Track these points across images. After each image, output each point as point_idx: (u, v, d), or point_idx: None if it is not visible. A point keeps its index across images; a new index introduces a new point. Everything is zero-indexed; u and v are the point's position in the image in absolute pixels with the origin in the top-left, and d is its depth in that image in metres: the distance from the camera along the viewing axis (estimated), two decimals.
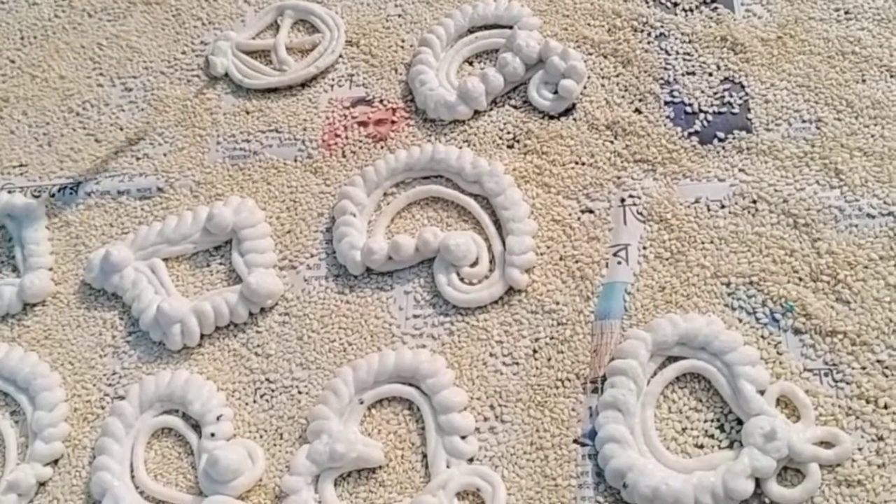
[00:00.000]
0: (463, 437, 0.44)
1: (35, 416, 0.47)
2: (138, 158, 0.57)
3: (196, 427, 0.46)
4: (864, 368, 0.42)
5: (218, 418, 0.46)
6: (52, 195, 0.56)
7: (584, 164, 0.51)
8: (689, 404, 0.43)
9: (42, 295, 0.52)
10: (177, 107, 0.59)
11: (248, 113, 0.57)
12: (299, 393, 0.47)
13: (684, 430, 0.42)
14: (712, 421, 0.42)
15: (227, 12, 0.63)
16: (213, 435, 0.45)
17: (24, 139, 0.59)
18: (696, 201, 0.49)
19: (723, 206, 0.48)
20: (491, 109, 0.55)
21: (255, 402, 0.47)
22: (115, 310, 0.51)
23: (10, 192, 0.57)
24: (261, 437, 0.46)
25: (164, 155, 0.57)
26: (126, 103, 0.60)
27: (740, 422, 0.42)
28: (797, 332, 0.44)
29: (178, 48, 0.61)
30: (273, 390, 0.47)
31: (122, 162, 0.57)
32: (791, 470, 0.40)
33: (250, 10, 0.62)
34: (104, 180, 0.56)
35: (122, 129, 0.58)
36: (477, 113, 0.54)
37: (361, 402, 0.45)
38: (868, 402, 0.41)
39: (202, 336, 0.49)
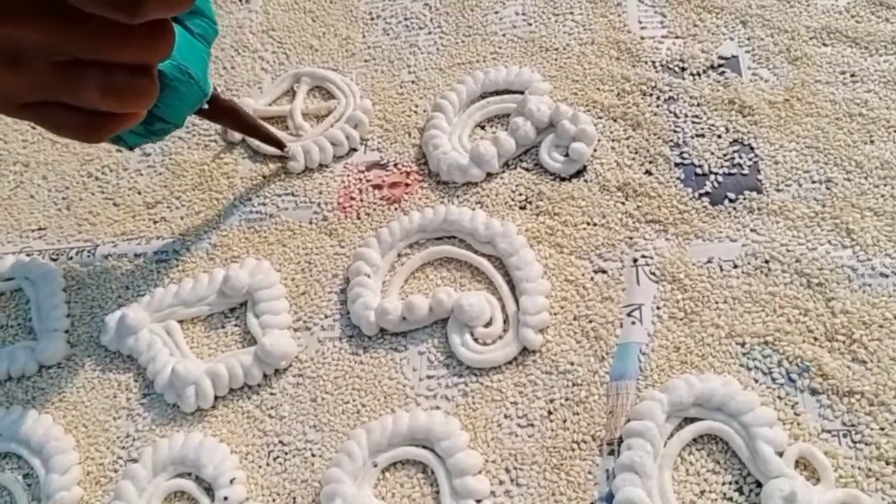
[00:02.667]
0: (478, 502, 0.43)
1: (48, 479, 0.47)
2: (155, 222, 0.58)
3: (209, 490, 0.46)
4: (882, 429, 0.42)
5: (231, 481, 0.46)
6: (70, 258, 0.57)
7: (595, 224, 0.52)
8: (707, 466, 0.42)
9: (57, 357, 0.52)
10: (194, 171, 0.60)
11: (264, 177, 0.58)
12: (312, 455, 0.47)
13: (703, 492, 0.42)
14: (731, 483, 0.42)
15: (245, 79, 0.64)
16: (225, 499, 0.45)
17: (43, 203, 0.60)
18: (709, 261, 0.49)
19: (735, 266, 0.48)
20: (503, 172, 0.55)
21: (268, 464, 0.47)
22: (129, 372, 0.52)
23: (28, 255, 0.57)
24: (274, 500, 0.46)
25: (181, 218, 0.57)
26: (144, 168, 0.61)
27: (759, 484, 0.41)
28: (814, 392, 0.44)
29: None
30: (286, 453, 0.47)
31: (139, 225, 0.58)
32: None
33: (267, 78, 0.64)
34: (121, 243, 0.57)
35: (139, 192, 0.59)
36: (489, 175, 0.55)
37: (375, 465, 0.45)
38: (888, 463, 0.41)
39: (216, 398, 0.49)
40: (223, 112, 0.53)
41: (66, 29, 0.29)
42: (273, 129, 0.58)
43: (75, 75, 0.31)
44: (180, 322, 0.52)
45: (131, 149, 0.48)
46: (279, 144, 0.57)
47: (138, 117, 0.35)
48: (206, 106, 0.49)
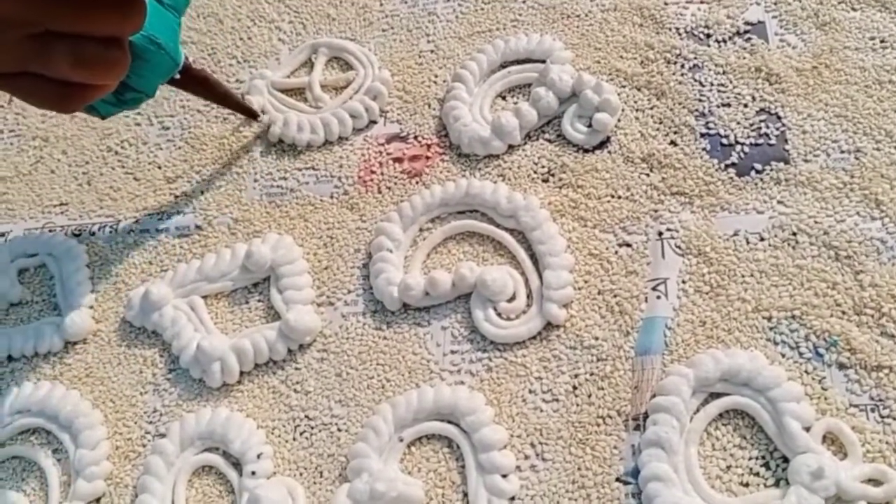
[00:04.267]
0: (504, 476, 0.43)
1: (77, 455, 0.48)
2: (176, 196, 0.58)
3: (237, 465, 0.47)
4: None
5: (258, 456, 0.46)
6: (92, 234, 0.57)
7: (620, 197, 0.51)
8: (734, 441, 0.42)
9: (83, 333, 0.53)
10: (214, 145, 0.59)
11: (284, 151, 0.58)
12: (338, 430, 0.47)
13: (729, 468, 0.42)
14: (757, 458, 0.42)
15: (262, 50, 0.63)
16: (253, 473, 0.45)
17: (64, 178, 0.60)
18: (735, 234, 0.48)
19: (762, 239, 0.48)
20: (525, 144, 0.55)
21: (294, 439, 0.47)
22: (155, 347, 0.52)
23: (50, 230, 0.58)
24: (301, 475, 0.46)
25: (202, 193, 0.57)
26: (164, 142, 0.61)
27: (786, 459, 0.41)
28: (842, 366, 0.43)
29: None
30: (312, 428, 0.48)
31: (160, 200, 0.58)
32: None
33: (285, 49, 0.63)
34: (143, 218, 0.57)
35: (160, 167, 0.59)
36: (511, 147, 0.55)
37: (401, 440, 0.45)
38: None
39: (241, 373, 0.50)
40: (195, 81, 0.53)
41: (39, 1, 0.30)
42: (244, 98, 0.58)
43: (47, 47, 0.31)
44: (204, 297, 0.53)
45: (103, 118, 0.49)
46: (252, 114, 0.58)
47: (110, 87, 0.36)
48: (177, 76, 0.50)
